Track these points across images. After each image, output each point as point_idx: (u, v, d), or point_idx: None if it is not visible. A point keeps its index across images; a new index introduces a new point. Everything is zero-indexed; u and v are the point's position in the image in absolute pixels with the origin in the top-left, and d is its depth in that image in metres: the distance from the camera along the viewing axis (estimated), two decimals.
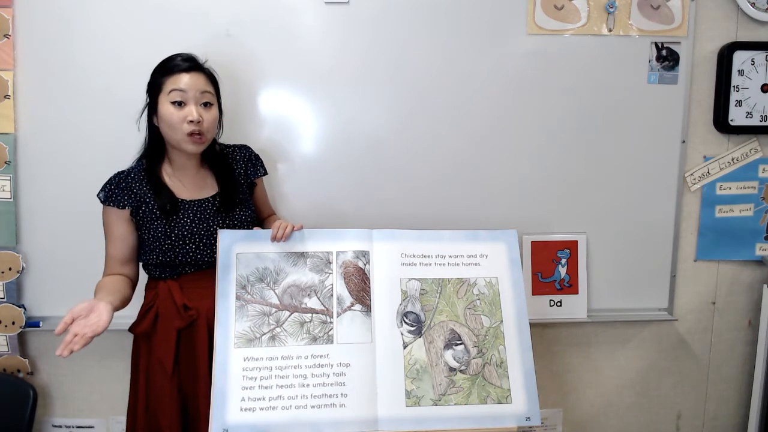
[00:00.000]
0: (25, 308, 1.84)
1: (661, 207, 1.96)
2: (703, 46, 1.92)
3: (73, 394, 1.95)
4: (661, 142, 1.93)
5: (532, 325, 1.51)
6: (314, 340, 1.40)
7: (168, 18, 1.77)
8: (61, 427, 1.97)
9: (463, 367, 1.42)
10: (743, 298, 2.06)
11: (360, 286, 1.46)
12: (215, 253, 1.45)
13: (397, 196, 1.88)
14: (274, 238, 1.45)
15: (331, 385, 1.36)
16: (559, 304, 1.96)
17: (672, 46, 1.88)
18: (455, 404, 1.39)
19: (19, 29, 1.76)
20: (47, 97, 1.79)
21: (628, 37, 1.87)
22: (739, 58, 1.90)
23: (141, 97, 1.49)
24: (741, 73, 1.91)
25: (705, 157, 1.97)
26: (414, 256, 1.51)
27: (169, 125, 1.41)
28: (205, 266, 1.48)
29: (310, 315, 1.42)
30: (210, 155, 1.55)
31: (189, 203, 1.48)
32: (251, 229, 1.51)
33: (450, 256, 1.52)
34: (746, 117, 1.93)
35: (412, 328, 1.44)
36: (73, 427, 1.97)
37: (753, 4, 1.89)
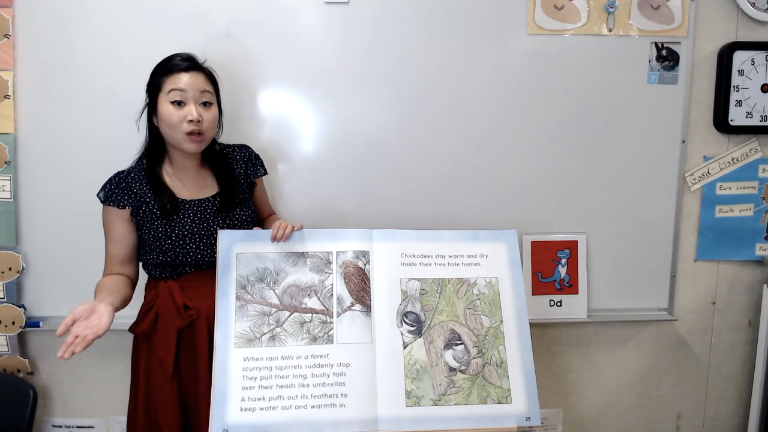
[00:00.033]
0: (25, 308, 1.84)
1: (661, 207, 1.96)
2: (703, 46, 1.92)
3: (73, 394, 1.95)
4: (661, 142, 1.93)
5: (532, 325, 1.51)
6: (314, 340, 1.40)
7: (168, 18, 1.77)
8: (61, 427, 1.97)
9: (463, 367, 1.42)
10: (743, 298, 2.06)
11: (360, 286, 1.46)
12: (215, 253, 1.45)
13: (397, 196, 1.88)
14: (274, 238, 1.45)
15: (331, 385, 1.36)
16: (559, 304, 1.96)
17: (672, 46, 1.88)
18: (455, 404, 1.39)
19: (19, 29, 1.76)
20: (47, 97, 1.79)
21: (628, 37, 1.87)
22: (739, 58, 1.90)
23: (141, 97, 1.49)
24: (741, 73, 1.91)
25: (705, 157, 1.97)
26: (414, 256, 1.51)
27: (168, 125, 1.41)
28: (206, 266, 1.48)
29: (310, 315, 1.42)
30: (210, 155, 1.55)
31: (189, 203, 1.48)
32: (251, 229, 1.51)
33: (450, 256, 1.52)
34: (746, 117, 1.93)
35: (412, 328, 1.44)
36: (73, 427, 1.97)
37: (753, 4, 1.89)
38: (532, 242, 1.93)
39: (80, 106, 1.79)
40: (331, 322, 1.42)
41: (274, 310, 1.42)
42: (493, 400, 1.40)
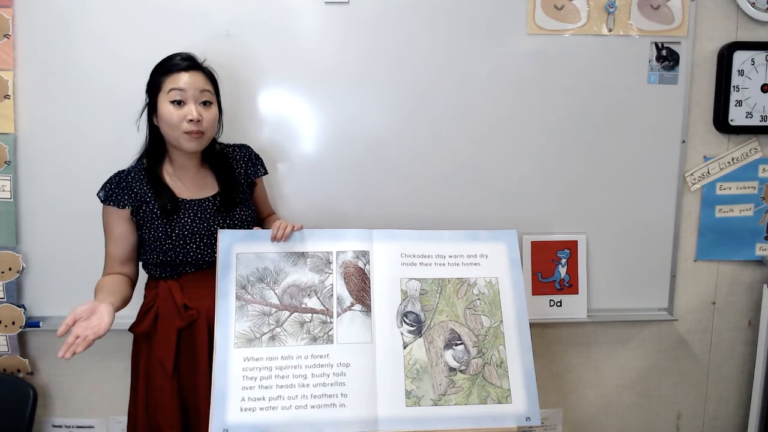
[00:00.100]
0: (25, 308, 1.84)
1: (661, 207, 1.96)
2: (703, 46, 1.92)
3: (73, 394, 1.95)
4: (661, 142, 1.93)
5: (532, 325, 1.51)
6: (314, 340, 1.40)
7: (168, 18, 1.77)
8: (61, 427, 1.97)
9: (463, 367, 1.42)
10: (743, 298, 2.06)
11: (360, 286, 1.46)
12: (215, 252, 1.45)
13: (397, 196, 1.88)
14: (274, 238, 1.45)
15: (331, 385, 1.36)
16: (559, 304, 1.96)
17: (672, 46, 1.88)
18: (455, 404, 1.39)
19: (19, 29, 1.76)
20: (47, 97, 1.79)
21: (628, 37, 1.87)
22: (739, 58, 1.90)
23: (141, 97, 1.49)
24: (741, 73, 1.91)
25: (705, 157, 1.97)
26: (414, 256, 1.51)
27: (168, 124, 1.41)
28: (206, 266, 1.48)
29: (310, 315, 1.42)
30: (210, 155, 1.55)
31: (189, 203, 1.48)
32: (251, 228, 1.51)
33: (450, 256, 1.52)
34: (746, 117, 1.93)
35: (412, 328, 1.44)
36: (73, 427, 1.97)
37: (753, 4, 1.89)
38: (532, 242, 1.93)
39: (80, 106, 1.79)
40: (331, 322, 1.42)
41: (274, 310, 1.42)
42: (493, 400, 1.40)
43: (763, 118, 1.93)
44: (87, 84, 1.78)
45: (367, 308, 1.44)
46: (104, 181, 1.46)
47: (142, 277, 1.54)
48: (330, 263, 1.47)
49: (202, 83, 1.44)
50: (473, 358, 1.43)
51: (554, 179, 1.91)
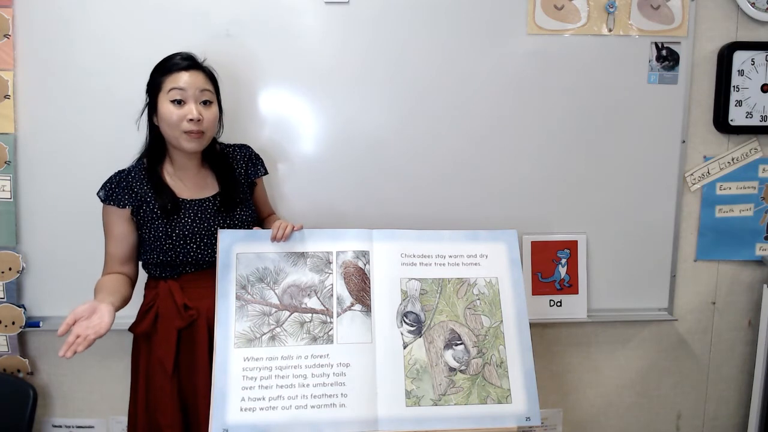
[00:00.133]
0: (25, 308, 1.84)
1: (661, 207, 1.96)
2: (703, 46, 1.92)
3: (73, 394, 1.95)
4: (661, 142, 1.93)
5: (532, 325, 1.51)
6: (314, 340, 1.40)
7: (168, 18, 1.77)
8: (61, 427, 1.97)
9: (463, 367, 1.42)
10: (743, 298, 2.06)
11: (360, 286, 1.46)
12: (215, 252, 1.45)
13: (397, 196, 1.88)
14: (274, 238, 1.45)
15: (331, 385, 1.36)
16: (559, 304, 1.96)
17: (672, 46, 1.88)
18: (455, 404, 1.39)
19: (19, 29, 1.76)
20: (47, 97, 1.79)
21: (628, 37, 1.87)
22: (739, 58, 1.90)
23: (141, 97, 1.49)
24: (741, 73, 1.91)
25: (705, 157, 1.97)
26: (414, 256, 1.51)
27: (169, 124, 1.41)
28: (206, 266, 1.48)
29: (310, 315, 1.42)
30: (210, 155, 1.55)
31: (190, 203, 1.48)
32: (251, 228, 1.51)
33: (450, 256, 1.52)
34: (746, 117, 1.93)
35: (412, 328, 1.44)
36: (73, 427, 1.97)
37: (753, 4, 1.89)
38: (532, 242, 1.93)
39: (80, 106, 1.79)
40: (331, 322, 1.42)
41: (274, 310, 1.42)
42: (493, 400, 1.40)
43: (763, 118, 1.93)
44: (87, 84, 1.78)
45: (367, 308, 1.44)
46: (104, 181, 1.46)
47: (142, 277, 1.53)
48: (330, 263, 1.47)
49: (202, 83, 1.44)
50: (473, 358, 1.43)
51: (554, 179, 1.91)
